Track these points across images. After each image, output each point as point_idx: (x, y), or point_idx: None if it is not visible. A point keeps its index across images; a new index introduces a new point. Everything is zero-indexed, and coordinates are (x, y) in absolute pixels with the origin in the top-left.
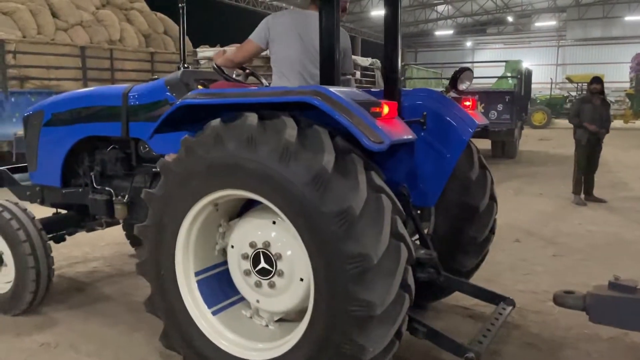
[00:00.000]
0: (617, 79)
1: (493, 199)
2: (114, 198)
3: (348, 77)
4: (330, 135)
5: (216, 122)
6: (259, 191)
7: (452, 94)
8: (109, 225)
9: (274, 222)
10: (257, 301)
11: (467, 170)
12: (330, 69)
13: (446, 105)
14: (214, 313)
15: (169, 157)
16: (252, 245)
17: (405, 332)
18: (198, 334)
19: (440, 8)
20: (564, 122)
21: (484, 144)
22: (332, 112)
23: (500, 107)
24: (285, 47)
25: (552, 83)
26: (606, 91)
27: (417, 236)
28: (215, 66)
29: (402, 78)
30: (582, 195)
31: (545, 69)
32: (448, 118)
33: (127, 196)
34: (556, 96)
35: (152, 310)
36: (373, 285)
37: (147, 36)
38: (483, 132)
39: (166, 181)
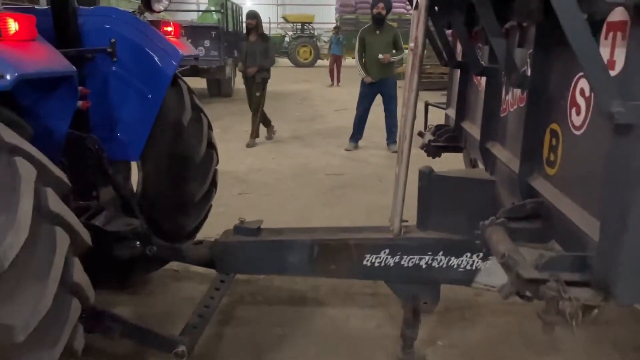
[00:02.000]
0: (327, 20)
1: (212, 146)
2: None
3: None
4: None
5: None
6: None
7: (148, 17)
8: None
9: None
10: None
11: (177, 114)
12: None
13: (142, 31)
14: None
15: None
16: None
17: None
18: None
19: None
20: (283, 60)
21: (200, 84)
22: None
23: (207, 43)
24: None
25: (270, 22)
26: (318, 31)
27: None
28: None
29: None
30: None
31: (266, 8)
32: (146, 48)
33: None
34: (275, 35)
35: None
36: (10, 299)
37: None
38: (193, 70)
39: None
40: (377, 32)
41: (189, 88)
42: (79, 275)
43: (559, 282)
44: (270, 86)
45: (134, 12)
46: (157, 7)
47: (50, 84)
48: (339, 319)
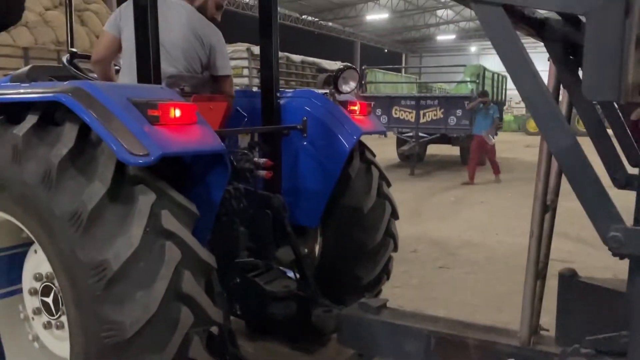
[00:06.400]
0: None
1: (390, 234)
2: None
3: (226, 74)
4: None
5: None
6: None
7: (341, 97)
8: None
9: None
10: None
11: (361, 200)
12: (144, 65)
13: (330, 111)
14: None
15: None
16: (37, 277)
17: None
18: None
19: (440, 12)
20: None
21: (454, 150)
22: (82, 113)
23: (459, 112)
24: (132, 35)
25: None
26: None
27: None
28: (64, 60)
29: (363, 82)
30: None
31: None
32: (331, 126)
33: None
34: None
35: None
36: (120, 300)
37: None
38: (443, 138)
39: None
40: None
41: (380, 175)
42: (171, 222)
43: None
44: (532, 156)
45: (325, 94)
46: (345, 88)
47: (206, 160)
48: None
